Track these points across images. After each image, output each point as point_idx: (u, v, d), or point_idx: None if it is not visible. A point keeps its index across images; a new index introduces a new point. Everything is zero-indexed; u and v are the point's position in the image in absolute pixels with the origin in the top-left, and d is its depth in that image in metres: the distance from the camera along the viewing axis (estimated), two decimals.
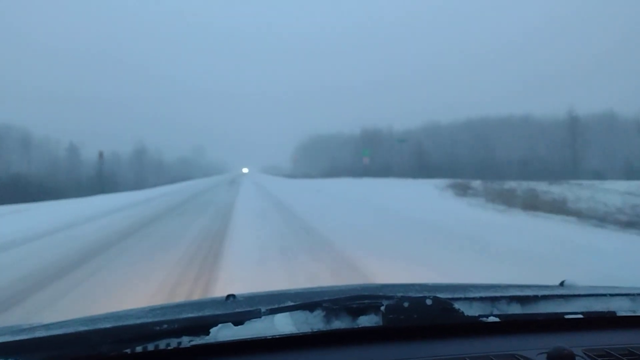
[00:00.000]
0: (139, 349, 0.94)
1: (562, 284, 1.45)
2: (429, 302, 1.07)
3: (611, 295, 1.21)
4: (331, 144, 75.23)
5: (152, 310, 1.21)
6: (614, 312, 1.16)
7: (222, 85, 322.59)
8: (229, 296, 1.24)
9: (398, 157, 44.92)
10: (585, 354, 0.94)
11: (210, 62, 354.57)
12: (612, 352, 0.95)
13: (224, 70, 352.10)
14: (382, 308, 1.06)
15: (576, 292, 1.25)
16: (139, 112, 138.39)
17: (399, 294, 1.12)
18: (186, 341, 0.96)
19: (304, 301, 1.08)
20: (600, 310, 1.17)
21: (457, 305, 1.08)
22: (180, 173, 71.81)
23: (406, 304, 1.06)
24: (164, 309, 1.24)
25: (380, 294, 1.14)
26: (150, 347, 0.94)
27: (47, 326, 1.08)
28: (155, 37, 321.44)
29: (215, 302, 1.26)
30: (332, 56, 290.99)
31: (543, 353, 0.93)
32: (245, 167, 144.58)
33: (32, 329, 1.07)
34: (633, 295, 1.21)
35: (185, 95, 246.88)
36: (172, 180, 51.85)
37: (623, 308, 1.18)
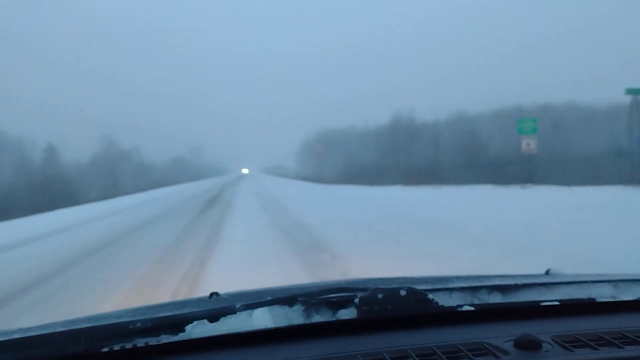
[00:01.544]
0: (116, 347, 0.95)
1: (547, 272, 1.46)
2: (402, 292, 1.08)
3: (593, 282, 1.22)
4: (345, 140, 64.10)
5: (134, 310, 1.22)
6: (593, 299, 1.17)
7: (221, 82, 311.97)
8: (212, 294, 1.24)
9: (444, 151, 33.82)
10: (553, 340, 0.95)
11: (207, 58, 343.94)
12: (580, 338, 0.96)
13: (223, 67, 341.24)
14: (356, 300, 1.07)
15: (559, 280, 1.25)
16: (137, 111, 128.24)
17: (375, 286, 1.12)
18: (163, 338, 0.98)
19: (283, 296, 1.10)
20: (581, 297, 1.17)
21: (432, 296, 1.09)
22: (168, 176, 61.50)
23: (380, 296, 1.07)
24: (145, 309, 1.24)
25: (359, 287, 1.14)
26: (128, 345, 0.96)
27: (26, 329, 1.07)
28: (150, 30, 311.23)
29: (198, 301, 1.26)
30: (336, 47, 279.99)
31: (510, 340, 0.94)
32: (245, 167, 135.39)
33: (11, 332, 1.05)
34: (615, 281, 1.22)
35: (183, 93, 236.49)
36: (151, 186, 41.41)
37: (604, 294, 1.18)
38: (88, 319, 1.14)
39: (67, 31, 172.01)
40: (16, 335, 1.00)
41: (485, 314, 1.12)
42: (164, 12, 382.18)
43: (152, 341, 0.98)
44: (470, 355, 0.90)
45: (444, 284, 1.19)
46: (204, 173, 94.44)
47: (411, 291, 1.08)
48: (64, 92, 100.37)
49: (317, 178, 38.37)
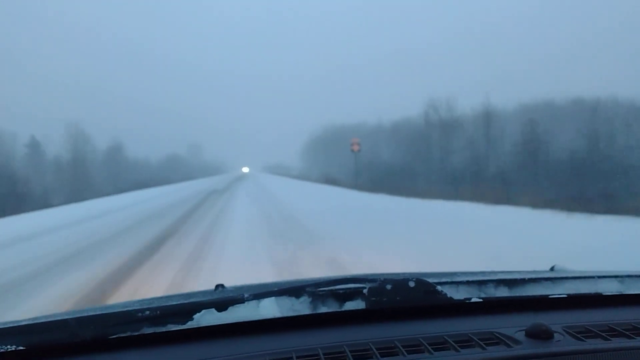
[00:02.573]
0: (124, 334, 0.96)
1: (552, 268, 1.46)
2: (411, 284, 1.08)
3: (599, 277, 1.22)
4: (360, 136, 57.02)
5: (141, 301, 1.23)
6: (600, 293, 1.17)
7: (220, 74, 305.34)
8: (217, 286, 1.24)
9: (500, 151, 26.31)
10: (564, 330, 0.96)
11: (205, 47, 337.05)
12: (591, 329, 0.96)
13: (223, 57, 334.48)
14: (365, 291, 1.08)
15: (565, 275, 1.26)
16: (133, 107, 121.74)
17: (383, 278, 1.13)
18: (170, 326, 0.98)
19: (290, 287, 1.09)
20: (588, 291, 1.17)
21: (440, 288, 1.10)
22: (160, 175, 54.81)
23: (389, 287, 1.07)
24: (152, 299, 1.24)
25: (366, 278, 1.15)
26: (136, 332, 0.97)
27: (34, 318, 1.07)
28: (148, 27, 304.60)
29: (203, 293, 1.26)
30: (342, 35, 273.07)
31: (521, 330, 0.95)
32: (245, 166, 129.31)
33: (19, 321, 1.05)
34: (621, 277, 1.22)
35: (182, 90, 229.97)
36: (133, 187, 34.92)
37: (610, 289, 1.18)
38: (95, 308, 1.12)
39: (62, 29, 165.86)
40: (24, 322, 1.00)
41: (493, 307, 1.11)
42: (163, 8, 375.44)
43: (160, 329, 0.98)
44: (482, 344, 0.90)
45: (450, 278, 1.19)
46: (201, 172, 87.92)
47: (420, 282, 1.08)
48: (53, 88, 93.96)
49: (350, 182, 25.69)
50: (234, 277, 5.83)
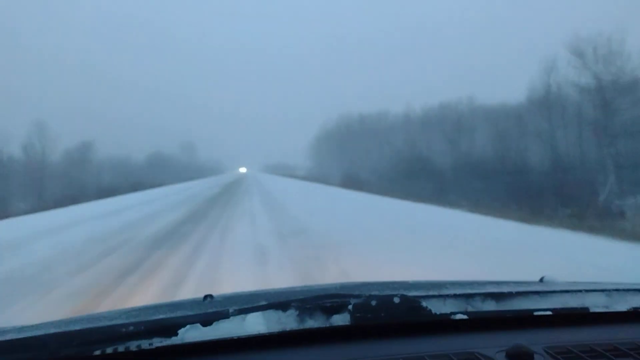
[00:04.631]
0: (109, 350, 0.96)
1: (541, 280, 1.46)
2: (396, 300, 1.08)
3: (587, 291, 1.22)
4: (385, 128, 45.16)
5: (127, 312, 1.22)
6: (587, 309, 1.17)
7: (220, 75, 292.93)
8: (206, 296, 1.24)
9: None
10: (545, 351, 0.95)
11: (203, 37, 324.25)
12: (572, 349, 0.96)
13: (222, 58, 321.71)
14: (350, 307, 1.08)
15: (553, 289, 1.25)
16: (128, 104, 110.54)
17: (369, 293, 1.13)
18: (156, 342, 0.98)
19: (277, 300, 1.10)
20: (574, 306, 1.17)
21: (425, 303, 1.10)
22: (142, 177, 43.63)
23: (374, 303, 1.08)
24: (139, 310, 1.24)
25: (353, 292, 1.14)
26: (120, 348, 0.96)
27: (20, 329, 1.07)
28: (138, 16, 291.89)
29: (192, 303, 1.25)
30: (345, 37, 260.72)
31: (502, 351, 0.95)
32: (243, 166, 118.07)
33: (4, 332, 1.04)
34: (609, 290, 1.22)
35: (178, 86, 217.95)
36: (85, 198, 23.87)
37: (597, 304, 1.18)
38: (81, 319, 1.13)
39: (45, 18, 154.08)
40: (9, 336, 0.99)
41: (478, 323, 1.10)
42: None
43: (145, 345, 0.97)
44: None
45: (437, 291, 1.17)
46: (191, 173, 76.24)
47: (404, 299, 1.08)
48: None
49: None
50: None
